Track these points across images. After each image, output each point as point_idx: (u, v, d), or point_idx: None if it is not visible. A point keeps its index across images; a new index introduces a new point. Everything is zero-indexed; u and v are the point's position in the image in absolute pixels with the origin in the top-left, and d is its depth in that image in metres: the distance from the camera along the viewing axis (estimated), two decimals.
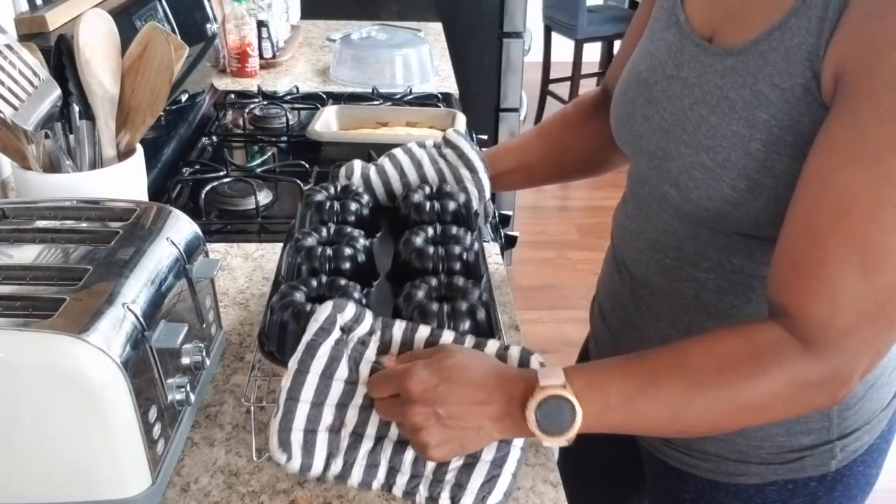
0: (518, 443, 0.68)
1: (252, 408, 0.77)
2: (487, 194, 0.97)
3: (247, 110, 1.69)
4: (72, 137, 0.95)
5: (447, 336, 0.70)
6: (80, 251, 0.74)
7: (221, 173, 1.39)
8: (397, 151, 0.99)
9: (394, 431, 0.68)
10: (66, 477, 0.66)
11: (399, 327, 0.70)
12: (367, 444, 0.68)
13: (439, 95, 1.81)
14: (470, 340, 0.70)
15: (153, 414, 0.69)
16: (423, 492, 0.68)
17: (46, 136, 0.91)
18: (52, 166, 0.93)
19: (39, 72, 0.89)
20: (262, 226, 1.25)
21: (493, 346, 0.70)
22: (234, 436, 0.80)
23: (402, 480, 0.68)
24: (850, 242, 0.61)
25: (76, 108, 0.94)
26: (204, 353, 0.79)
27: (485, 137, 1.90)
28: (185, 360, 0.77)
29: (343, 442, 0.68)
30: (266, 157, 1.53)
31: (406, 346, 0.70)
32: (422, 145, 1.01)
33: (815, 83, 0.66)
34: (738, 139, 0.70)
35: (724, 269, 0.78)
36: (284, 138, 1.62)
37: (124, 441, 0.66)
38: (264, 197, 1.31)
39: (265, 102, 1.77)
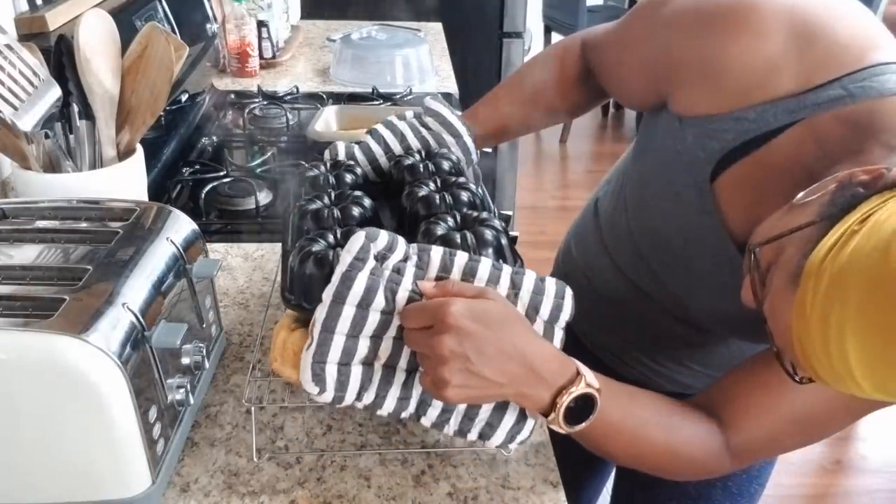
0: None
1: (252, 408, 0.77)
2: (475, 157, 0.97)
3: (247, 110, 1.69)
4: (72, 137, 0.95)
5: (486, 263, 0.68)
6: (80, 251, 0.74)
7: (221, 173, 1.39)
8: (379, 127, 0.98)
9: None
10: (65, 477, 0.66)
11: (437, 251, 0.68)
12: (400, 377, 0.68)
13: (439, 95, 1.81)
14: (507, 271, 0.69)
15: (153, 414, 0.69)
16: (453, 425, 0.68)
17: (46, 136, 0.91)
18: (52, 166, 0.93)
19: (39, 72, 0.89)
20: (262, 226, 1.25)
21: (530, 276, 0.69)
22: (234, 436, 0.80)
23: (433, 413, 0.68)
24: (806, 399, 0.70)
25: (76, 108, 0.94)
26: (204, 353, 0.79)
27: None
28: (185, 360, 0.77)
29: (376, 375, 0.67)
30: (266, 157, 1.53)
31: (444, 272, 0.67)
32: (402, 117, 0.99)
33: None
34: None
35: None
36: (284, 138, 1.62)
37: (124, 441, 0.66)
38: (264, 197, 1.31)
39: (265, 102, 1.77)
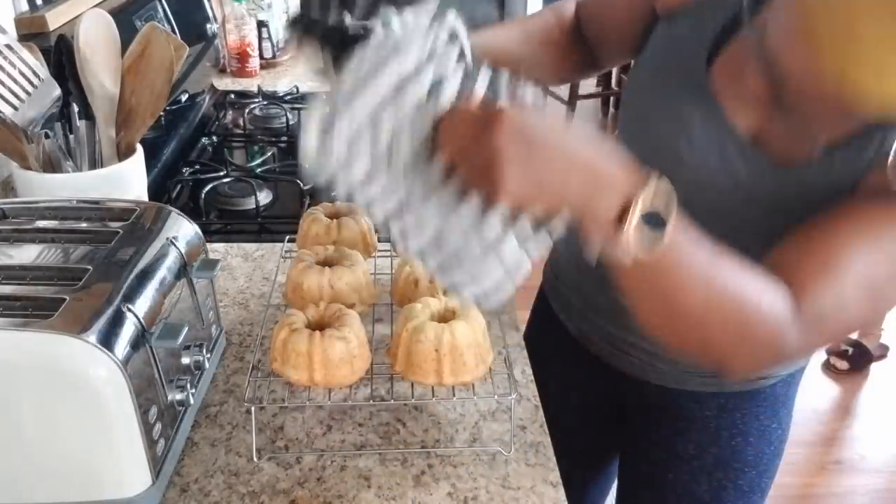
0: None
1: (252, 408, 0.77)
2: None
3: (247, 110, 1.69)
4: (72, 137, 0.95)
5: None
6: (80, 251, 0.74)
7: (221, 173, 1.39)
8: None
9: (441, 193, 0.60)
10: (66, 477, 0.66)
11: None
12: (400, 194, 0.60)
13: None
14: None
15: (153, 414, 0.69)
16: (431, 263, 0.62)
17: (46, 136, 0.91)
18: (52, 166, 0.93)
19: (39, 72, 0.89)
20: (261, 226, 1.25)
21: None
22: (234, 436, 0.80)
23: (416, 242, 0.61)
24: (868, 261, 0.67)
25: (76, 108, 0.94)
26: (204, 353, 0.79)
27: None
28: (185, 360, 0.77)
29: (384, 170, 0.59)
30: (266, 157, 1.53)
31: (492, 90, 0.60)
32: None
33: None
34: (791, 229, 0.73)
35: None
36: (284, 138, 1.62)
37: (124, 441, 0.66)
38: (264, 197, 1.31)
39: (265, 102, 1.77)
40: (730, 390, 0.93)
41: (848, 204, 0.70)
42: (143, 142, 1.00)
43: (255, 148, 1.61)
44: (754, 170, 0.76)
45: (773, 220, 0.74)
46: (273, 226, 1.24)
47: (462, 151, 0.57)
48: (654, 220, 0.57)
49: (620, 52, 0.94)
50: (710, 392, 0.94)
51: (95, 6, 1.01)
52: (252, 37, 1.95)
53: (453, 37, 0.62)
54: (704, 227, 0.63)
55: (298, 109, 1.75)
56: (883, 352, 2.69)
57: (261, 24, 2.00)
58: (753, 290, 0.66)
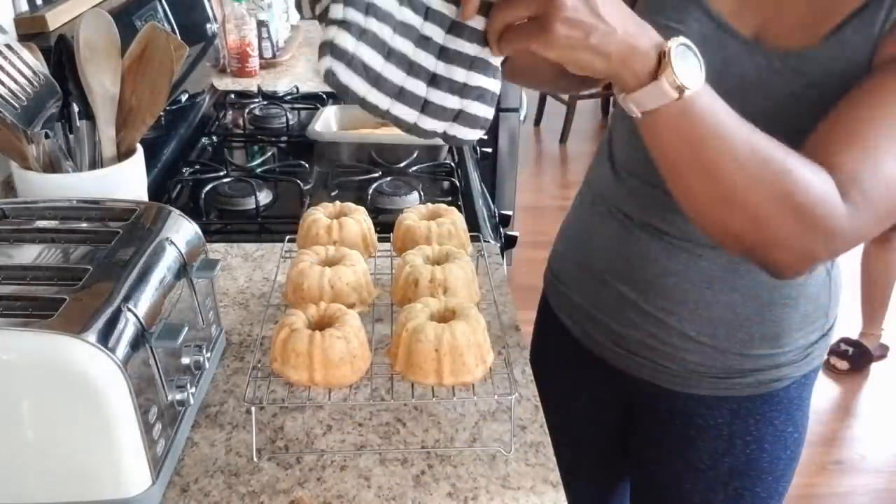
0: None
1: (252, 408, 0.77)
2: None
3: (247, 110, 1.69)
4: (72, 137, 0.95)
5: None
6: (80, 251, 0.74)
7: (221, 173, 1.39)
8: None
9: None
10: (65, 477, 0.66)
11: None
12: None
13: None
14: None
15: (153, 414, 0.69)
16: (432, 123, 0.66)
17: (46, 136, 0.91)
18: (52, 166, 0.93)
19: (39, 72, 0.89)
20: (261, 226, 1.25)
21: None
22: (234, 436, 0.80)
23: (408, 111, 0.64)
24: None
25: (76, 108, 0.94)
26: (204, 353, 0.79)
27: (485, 137, 1.90)
28: (185, 360, 0.77)
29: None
30: (266, 157, 1.53)
31: None
32: None
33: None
34: (804, 130, 0.73)
35: None
36: (284, 138, 1.62)
37: (124, 441, 0.66)
38: (264, 197, 1.31)
39: (265, 102, 1.77)
40: (740, 394, 0.92)
41: (870, 81, 0.70)
42: (143, 142, 1.00)
43: (255, 148, 1.61)
44: (760, 65, 0.76)
45: (792, 118, 0.73)
46: (273, 226, 1.24)
47: None
48: (689, 60, 0.62)
49: None
50: (720, 396, 0.93)
51: (95, 6, 1.01)
52: (252, 37, 1.95)
53: None
54: None
55: (298, 109, 1.75)
56: (883, 352, 2.69)
57: (261, 24, 2.01)
58: (797, 164, 0.66)
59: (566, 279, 1.02)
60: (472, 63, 0.65)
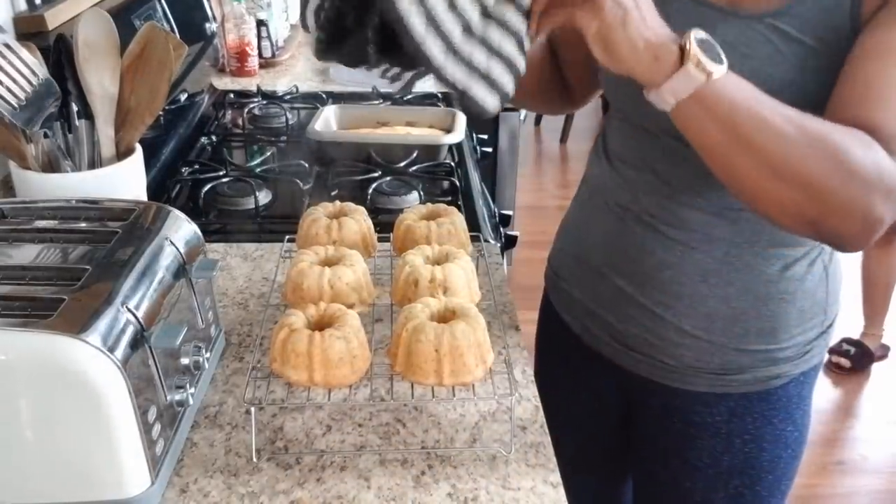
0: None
1: (252, 408, 0.77)
2: None
3: (246, 110, 1.69)
4: (71, 137, 0.95)
5: None
6: (79, 251, 0.74)
7: (221, 173, 1.39)
8: None
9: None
10: (65, 477, 0.66)
11: None
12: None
13: (439, 95, 1.81)
14: None
15: (153, 414, 0.68)
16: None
17: (45, 136, 0.91)
18: (51, 166, 0.93)
19: (38, 71, 0.89)
20: (261, 226, 1.25)
21: None
22: (234, 436, 0.79)
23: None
24: None
25: (75, 108, 0.94)
26: (204, 353, 0.79)
27: (484, 137, 1.90)
28: (185, 360, 0.77)
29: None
30: (265, 156, 1.52)
31: None
32: None
33: (858, 25, 0.73)
34: (794, 84, 0.76)
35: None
36: (284, 138, 1.62)
37: (124, 441, 0.66)
38: (264, 197, 1.31)
39: (264, 102, 1.76)
40: (738, 391, 0.92)
41: (874, 35, 0.72)
42: (142, 141, 1.00)
43: (255, 147, 1.61)
44: (738, 28, 0.78)
45: (776, 74, 0.76)
46: (273, 226, 1.24)
47: None
48: (710, 48, 0.67)
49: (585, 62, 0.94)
50: (718, 394, 0.92)
51: (94, 5, 1.01)
52: (251, 36, 1.95)
53: None
54: None
55: (298, 109, 1.75)
56: (884, 352, 2.69)
57: (260, 24, 2.00)
58: (834, 129, 0.69)
59: (566, 275, 1.03)
60: (509, 32, 0.68)
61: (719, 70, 0.67)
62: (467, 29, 0.67)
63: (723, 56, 0.67)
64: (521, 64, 0.70)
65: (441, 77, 0.68)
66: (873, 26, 0.73)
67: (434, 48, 0.65)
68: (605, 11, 0.64)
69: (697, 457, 0.96)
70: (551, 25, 0.69)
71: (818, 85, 0.76)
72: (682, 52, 0.66)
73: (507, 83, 0.70)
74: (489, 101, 0.70)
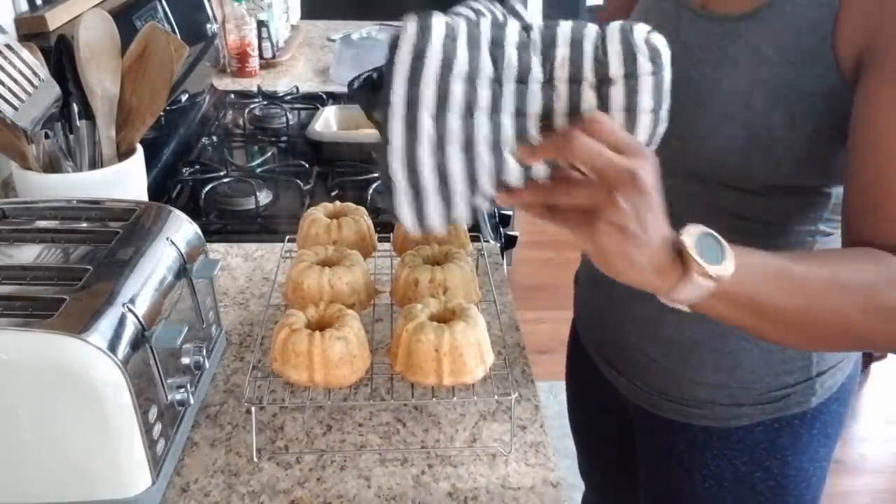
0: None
1: (252, 408, 0.77)
2: None
3: (247, 110, 1.69)
4: (72, 137, 0.95)
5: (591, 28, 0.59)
6: (80, 251, 0.74)
7: (221, 173, 1.39)
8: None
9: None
10: (66, 477, 0.66)
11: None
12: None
13: None
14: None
15: (153, 414, 0.69)
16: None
17: (46, 136, 0.91)
18: (51, 166, 0.94)
19: (39, 72, 0.89)
20: (261, 226, 1.25)
21: (615, 25, 0.59)
22: (234, 436, 0.80)
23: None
24: None
25: (76, 108, 0.94)
26: (204, 353, 0.79)
27: None
28: (185, 360, 0.77)
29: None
30: (266, 156, 1.53)
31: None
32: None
33: (830, 55, 0.69)
34: (739, 93, 0.74)
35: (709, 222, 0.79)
36: (284, 138, 1.62)
37: (124, 441, 0.66)
38: (264, 197, 1.31)
39: (265, 102, 1.77)
40: (698, 423, 0.88)
41: (868, 129, 0.68)
42: (143, 142, 1.00)
43: (255, 148, 1.61)
44: (704, 29, 0.77)
45: (733, 84, 0.73)
46: (273, 226, 1.24)
47: (600, 155, 0.55)
48: (711, 248, 0.59)
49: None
50: (682, 423, 0.90)
51: (95, 6, 1.01)
52: (252, 37, 1.95)
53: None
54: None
55: (298, 109, 1.75)
56: (883, 352, 2.69)
57: (261, 24, 2.00)
58: (868, 271, 0.64)
59: (581, 287, 1.04)
60: (500, 176, 0.60)
61: (725, 271, 0.59)
62: (466, 148, 0.60)
63: (726, 253, 0.59)
64: (485, 209, 0.62)
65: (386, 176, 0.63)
66: (875, 104, 0.67)
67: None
68: (598, 240, 0.57)
69: (666, 481, 0.95)
70: (535, 216, 0.62)
71: (764, 113, 0.72)
72: (682, 255, 0.59)
73: (462, 212, 0.62)
74: (407, 219, 0.65)
